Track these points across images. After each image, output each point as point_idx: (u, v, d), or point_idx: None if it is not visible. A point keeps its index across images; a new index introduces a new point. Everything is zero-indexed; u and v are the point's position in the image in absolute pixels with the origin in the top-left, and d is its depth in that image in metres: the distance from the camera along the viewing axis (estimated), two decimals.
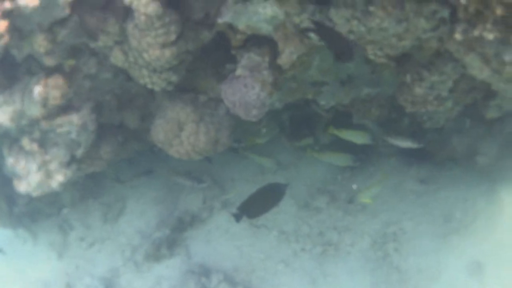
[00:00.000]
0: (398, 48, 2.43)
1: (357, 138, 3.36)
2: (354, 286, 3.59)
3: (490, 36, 1.79)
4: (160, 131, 3.12)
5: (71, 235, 3.82)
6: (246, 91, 2.69)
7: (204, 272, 3.70)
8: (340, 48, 2.38)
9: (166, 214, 3.79)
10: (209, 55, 2.99)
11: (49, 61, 2.85)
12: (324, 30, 2.37)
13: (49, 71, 2.91)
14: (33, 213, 3.81)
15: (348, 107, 3.28)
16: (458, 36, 1.93)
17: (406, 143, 3.32)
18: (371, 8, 2.21)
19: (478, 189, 3.72)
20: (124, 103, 3.27)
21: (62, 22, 2.74)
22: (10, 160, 3.20)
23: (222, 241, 3.70)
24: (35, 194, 3.22)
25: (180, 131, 3.07)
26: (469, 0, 1.76)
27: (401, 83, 2.75)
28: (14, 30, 2.69)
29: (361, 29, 2.33)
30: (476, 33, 1.83)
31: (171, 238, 3.70)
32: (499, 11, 1.71)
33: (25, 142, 3.13)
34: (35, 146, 3.12)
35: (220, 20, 2.65)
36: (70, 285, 3.78)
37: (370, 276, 3.60)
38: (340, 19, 2.31)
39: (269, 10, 2.52)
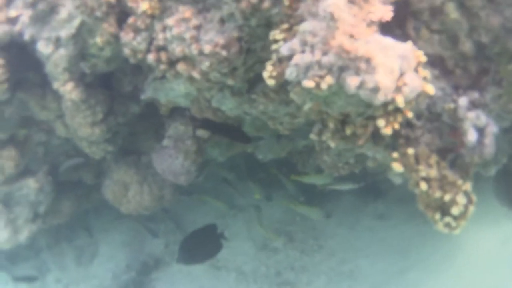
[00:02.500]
0: (298, 123, 2.54)
1: (319, 180, 3.45)
2: None
3: (332, 144, 1.88)
4: (109, 192, 3.37)
5: (48, 277, 4.11)
6: (171, 161, 2.88)
7: None
8: (236, 136, 2.55)
9: (134, 257, 4.02)
10: (147, 118, 3.19)
11: (0, 135, 3.14)
12: (214, 126, 2.56)
13: (3, 143, 3.20)
14: (11, 256, 4.12)
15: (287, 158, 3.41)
16: (313, 136, 2.01)
17: (347, 186, 3.41)
18: (253, 96, 2.33)
19: None
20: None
21: (6, 101, 3.02)
22: None
23: (186, 282, 3.86)
24: (5, 247, 3.55)
25: (126, 191, 3.31)
26: (310, 110, 1.84)
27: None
28: None
29: (253, 112, 2.46)
30: (323, 138, 1.92)
31: (137, 281, 3.93)
32: (331, 125, 1.80)
33: None
34: (0, 206, 3.44)
35: (143, 96, 2.85)
36: None
37: None
38: (234, 103, 2.45)
39: (182, 87, 2.64)
